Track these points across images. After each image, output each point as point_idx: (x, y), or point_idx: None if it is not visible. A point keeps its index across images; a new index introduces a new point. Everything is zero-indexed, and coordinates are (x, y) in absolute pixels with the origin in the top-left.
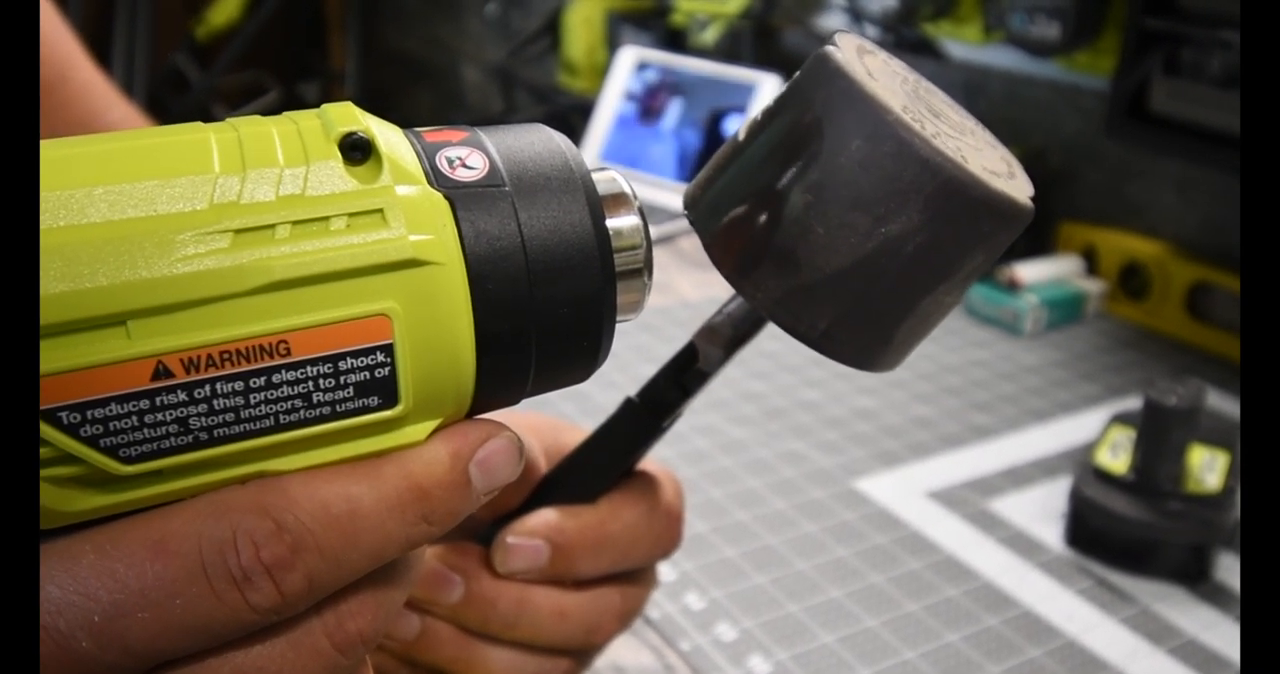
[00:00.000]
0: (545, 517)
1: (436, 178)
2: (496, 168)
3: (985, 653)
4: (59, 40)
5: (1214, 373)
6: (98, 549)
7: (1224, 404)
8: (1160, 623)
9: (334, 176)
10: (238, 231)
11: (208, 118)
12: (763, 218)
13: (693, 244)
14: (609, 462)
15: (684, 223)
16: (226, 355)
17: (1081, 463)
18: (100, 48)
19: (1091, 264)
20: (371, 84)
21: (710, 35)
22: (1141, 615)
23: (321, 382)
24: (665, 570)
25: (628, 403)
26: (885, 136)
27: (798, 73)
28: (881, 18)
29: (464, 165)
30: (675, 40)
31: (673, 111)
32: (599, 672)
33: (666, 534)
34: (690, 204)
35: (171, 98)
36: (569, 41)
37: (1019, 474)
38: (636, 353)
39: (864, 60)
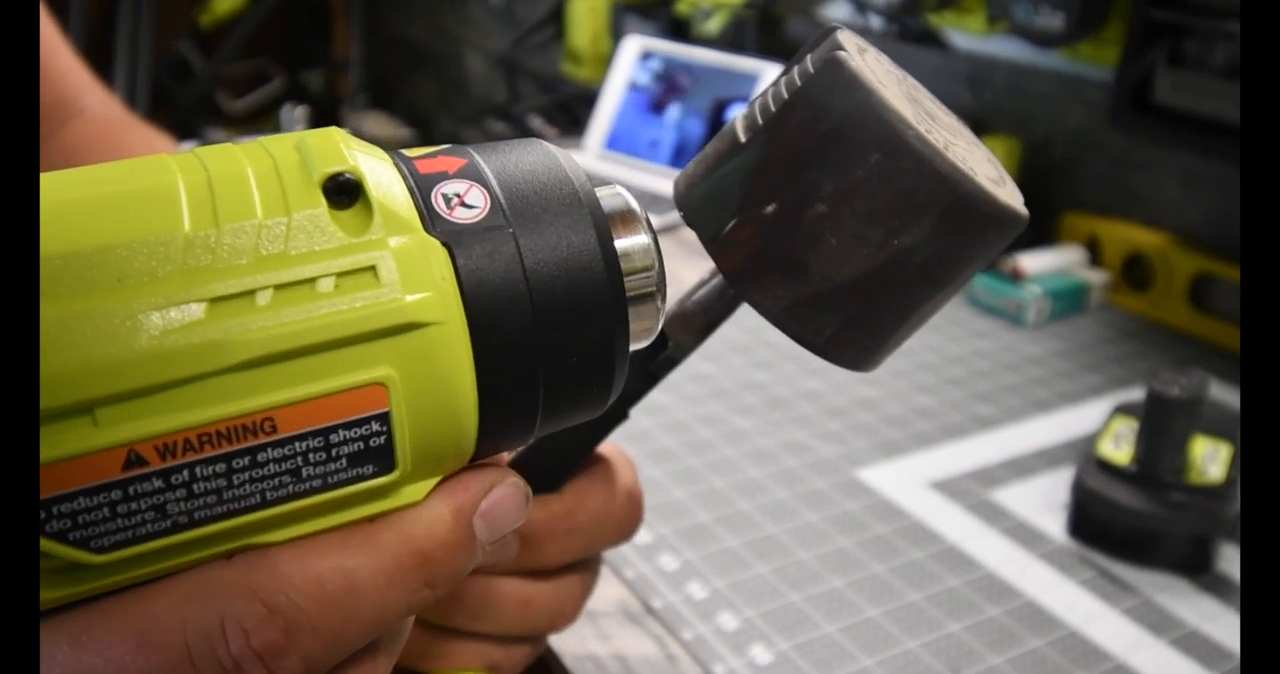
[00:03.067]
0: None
1: (433, 221)
2: (498, 203)
3: (987, 643)
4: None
5: (1217, 364)
6: (73, 641)
7: (1226, 395)
8: (1162, 614)
9: (319, 229)
10: (213, 301)
11: (212, 106)
12: (773, 225)
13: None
14: (574, 449)
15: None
16: (206, 438)
17: (1084, 453)
18: (104, 36)
19: (1095, 255)
20: (375, 72)
21: (714, 24)
22: (1143, 606)
23: (311, 456)
24: (668, 560)
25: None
26: (904, 152)
27: (801, 71)
28: (885, 8)
29: (463, 204)
30: (679, 29)
31: (676, 101)
32: (602, 661)
33: (629, 518)
34: (683, 201)
35: (176, 86)
36: (573, 30)
37: (1021, 465)
38: None
39: (865, 59)
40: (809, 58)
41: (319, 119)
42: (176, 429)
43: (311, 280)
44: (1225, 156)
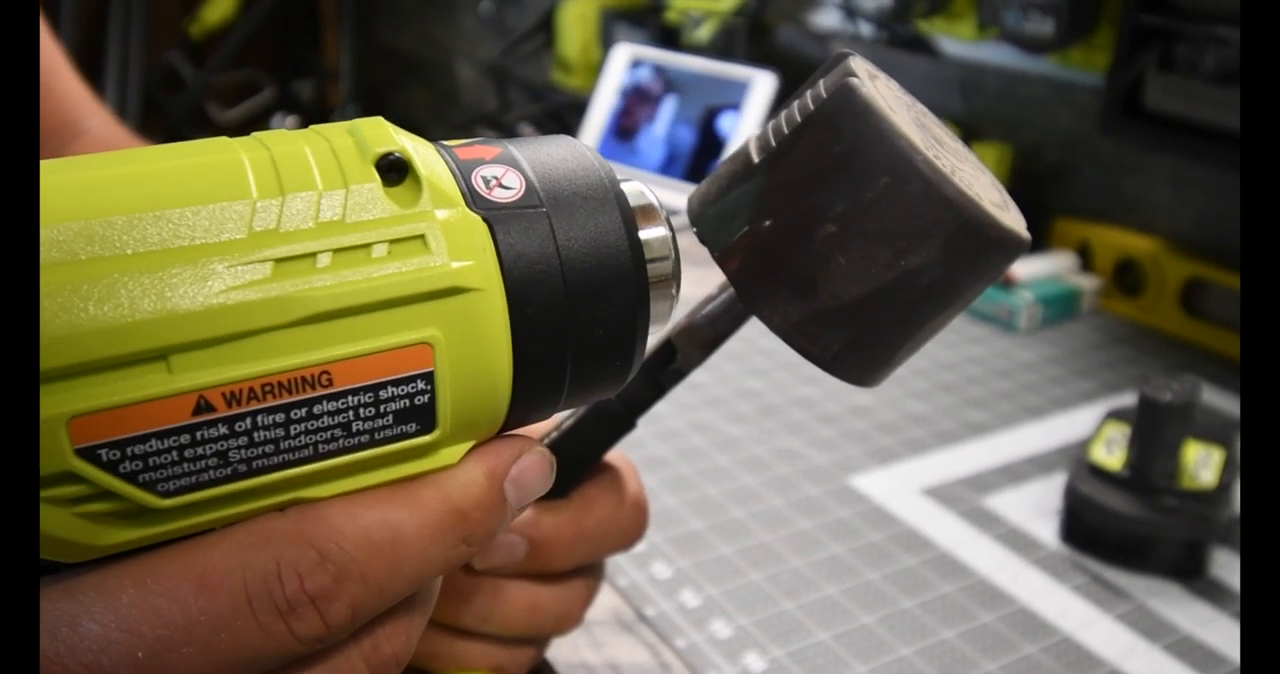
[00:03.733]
0: (522, 514)
1: (474, 199)
2: (533, 186)
3: (981, 649)
4: (43, 51)
5: (1209, 369)
6: (138, 584)
7: (1219, 400)
8: (1155, 619)
9: (374, 201)
10: (279, 261)
11: (203, 117)
12: (783, 244)
13: (689, 241)
14: (582, 456)
15: (676, 220)
16: (269, 388)
17: (1077, 459)
18: (95, 46)
19: (1086, 260)
20: (366, 82)
21: (704, 32)
22: (1137, 612)
23: (362, 411)
24: (660, 568)
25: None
26: (913, 176)
27: (814, 95)
28: (875, 14)
29: (500, 185)
30: (669, 37)
31: (667, 108)
32: (595, 670)
33: (635, 525)
34: (696, 218)
35: (166, 96)
36: (563, 39)
37: (1014, 471)
38: None
39: (876, 85)
40: (822, 83)
41: None
42: (243, 378)
43: (367, 246)
44: (1217, 161)
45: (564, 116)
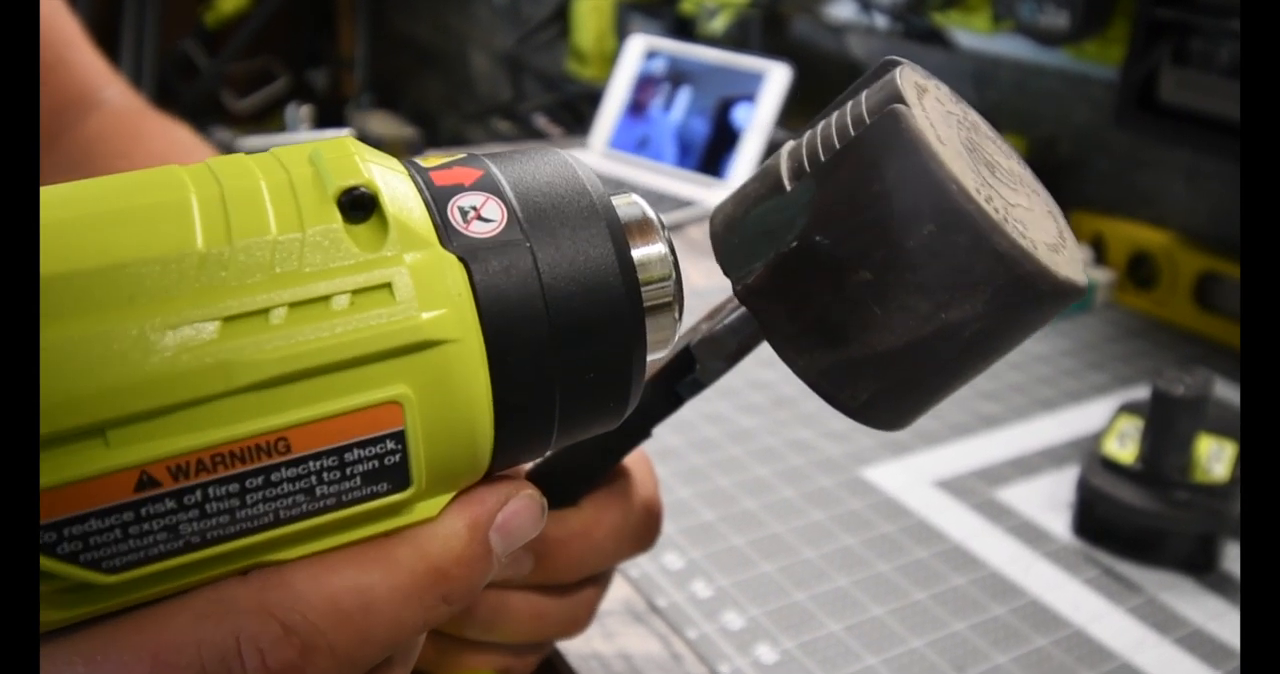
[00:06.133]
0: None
1: (449, 235)
2: (515, 215)
3: (992, 642)
4: (58, 23)
5: (1222, 363)
6: (88, 660)
7: (1232, 394)
8: (1167, 613)
9: (334, 245)
10: (226, 320)
11: (217, 105)
12: (811, 285)
13: (701, 232)
14: (594, 464)
15: (691, 211)
16: (219, 459)
17: (1089, 452)
18: (109, 34)
19: (1100, 254)
20: (380, 71)
21: (719, 23)
22: (1148, 605)
23: (326, 475)
24: (672, 559)
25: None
26: (962, 226)
27: (855, 116)
28: (890, 7)
29: (480, 217)
30: (684, 28)
31: (681, 100)
32: (607, 660)
33: (647, 532)
34: (717, 241)
35: (180, 84)
36: (578, 29)
37: (1026, 463)
38: None
39: (925, 106)
40: (865, 99)
41: (324, 118)
42: (189, 450)
43: (326, 298)
44: (1230, 155)
45: (578, 107)
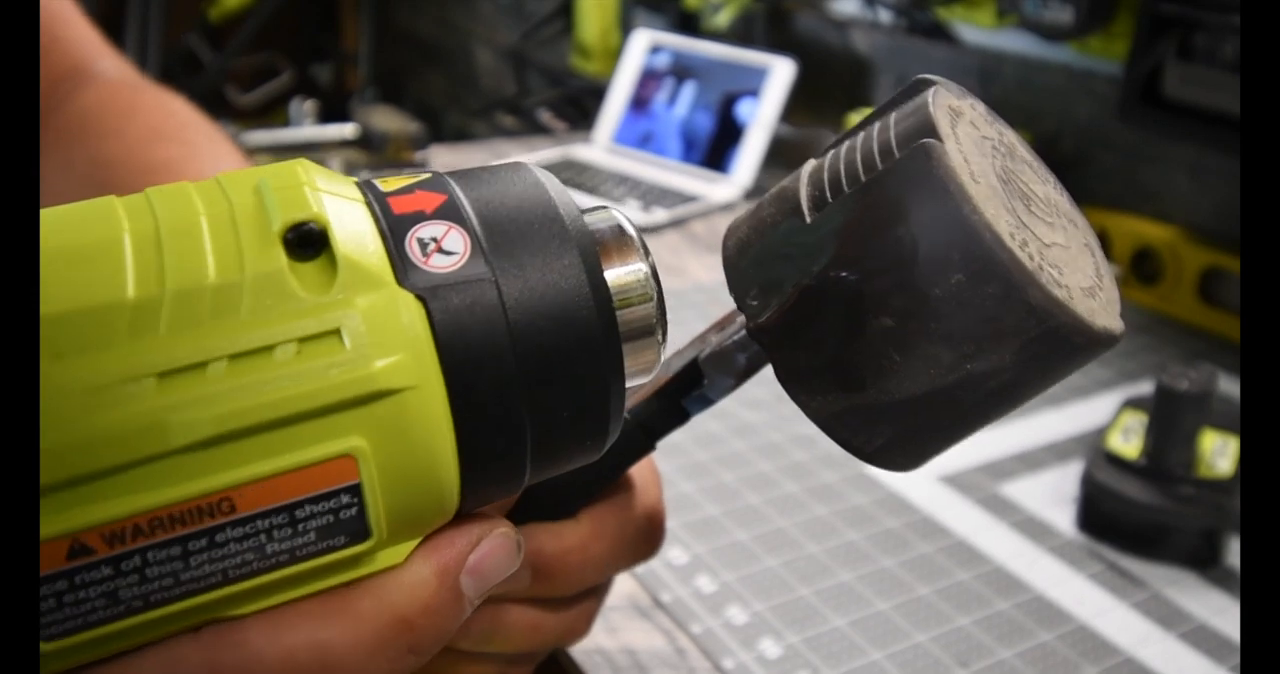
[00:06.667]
0: (526, 537)
1: (407, 271)
2: (478, 246)
3: (996, 637)
4: (51, 2)
5: (1226, 358)
6: None
7: (1236, 389)
8: (1171, 608)
9: (277, 289)
10: (161, 375)
11: (221, 100)
12: (828, 328)
13: (705, 227)
14: (595, 476)
15: (695, 206)
16: (157, 523)
17: (1093, 447)
18: (113, 29)
19: (1104, 249)
20: (384, 66)
21: (723, 18)
22: (1152, 600)
23: (276, 533)
24: (677, 554)
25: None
26: (993, 276)
27: (883, 145)
28: (895, 2)
29: (441, 250)
30: (688, 23)
31: (685, 94)
32: (611, 655)
33: (649, 542)
34: (730, 266)
35: (184, 80)
36: (582, 24)
37: (1031, 458)
38: None
39: (958, 135)
40: (894, 125)
41: (328, 113)
42: (124, 515)
43: (269, 348)
44: (1234, 150)
45: (583, 102)
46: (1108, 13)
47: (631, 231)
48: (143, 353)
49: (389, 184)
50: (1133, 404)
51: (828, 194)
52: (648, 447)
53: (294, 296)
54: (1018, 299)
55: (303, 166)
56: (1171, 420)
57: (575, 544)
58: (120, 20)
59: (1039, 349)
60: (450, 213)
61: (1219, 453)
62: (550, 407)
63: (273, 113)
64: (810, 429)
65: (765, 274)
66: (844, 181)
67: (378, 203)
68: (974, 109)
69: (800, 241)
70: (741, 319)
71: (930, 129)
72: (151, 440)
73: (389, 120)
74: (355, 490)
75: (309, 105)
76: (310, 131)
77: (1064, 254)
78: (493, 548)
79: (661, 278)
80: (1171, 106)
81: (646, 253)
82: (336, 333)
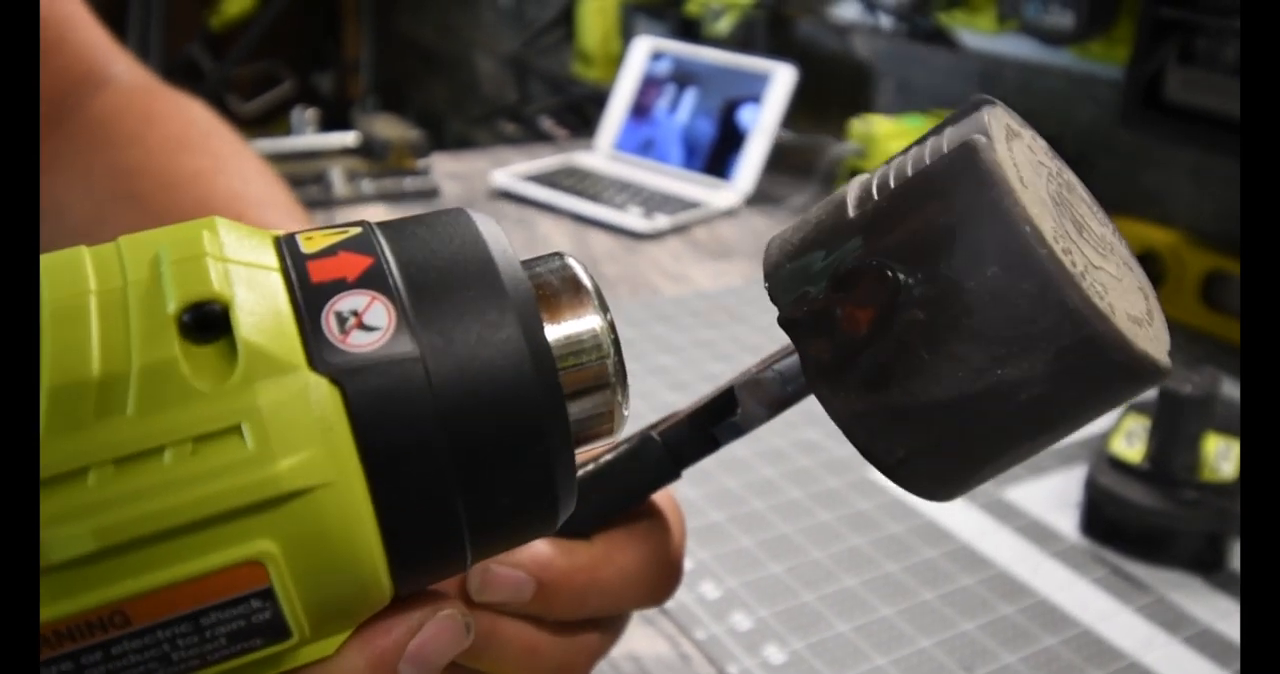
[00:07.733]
0: (536, 549)
1: (321, 351)
2: (404, 317)
3: (1000, 641)
4: (61, 4)
5: (1228, 361)
6: None
7: (1238, 392)
8: (1175, 612)
9: (170, 382)
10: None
11: (223, 109)
12: (859, 320)
13: (706, 233)
14: (614, 499)
15: (697, 212)
16: (44, 640)
17: (1097, 452)
18: (113, 38)
19: None
20: (386, 74)
21: (724, 25)
22: (1156, 604)
23: (180, 641)
24: None
25: (647, 440)
26: (1030, 271)
27: (934, 148)
28: (896, 7)
29: (361, 325)
30: (689, 30)
31: (686, 101)
32: (615, 661)
33: (663, 585)
34: (770, 268)
35: (186, 88)
36: (583, 31)
37: (1034, 463)
38: (654, 343)
39: (1012, 148)
40: (947, 133)
41: (330, 121)
42: None
43: (158, 450)
44: (1236, 154)
45: (584, 109)
46: (1108, 17)
47: (586, 281)
48: None
49: (312, 243)
50: (1136, 408)
51: (874, 192)
52: (674, 474)
53: (188, 389)
54: (1054, 299)
55: (210, 229)
56: (1175, 424)
57: (585, 564)
58: (121, 28)
59: (1073, 360)
60: (375, 280)
61: (1222, 456)
62: (487, 490)
63: (274, 121)
64: (814, 435)
65: (803, 272)
66: (891, 179)
67: (295, 269)
68: (1034, 140)
69: (841, 234)
70: (784, 351)
71: (982, 129)
72: None
73: (390, 128)
74: (267, 594)
75: (310, 113)
76: (312, 140)
77: (1113, 282)
78: (437, 632)
79: (664, 285)
80: (1173, 111)
81: (602, 304)
82: (237, 429)
